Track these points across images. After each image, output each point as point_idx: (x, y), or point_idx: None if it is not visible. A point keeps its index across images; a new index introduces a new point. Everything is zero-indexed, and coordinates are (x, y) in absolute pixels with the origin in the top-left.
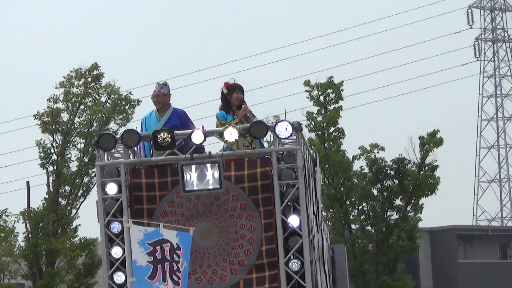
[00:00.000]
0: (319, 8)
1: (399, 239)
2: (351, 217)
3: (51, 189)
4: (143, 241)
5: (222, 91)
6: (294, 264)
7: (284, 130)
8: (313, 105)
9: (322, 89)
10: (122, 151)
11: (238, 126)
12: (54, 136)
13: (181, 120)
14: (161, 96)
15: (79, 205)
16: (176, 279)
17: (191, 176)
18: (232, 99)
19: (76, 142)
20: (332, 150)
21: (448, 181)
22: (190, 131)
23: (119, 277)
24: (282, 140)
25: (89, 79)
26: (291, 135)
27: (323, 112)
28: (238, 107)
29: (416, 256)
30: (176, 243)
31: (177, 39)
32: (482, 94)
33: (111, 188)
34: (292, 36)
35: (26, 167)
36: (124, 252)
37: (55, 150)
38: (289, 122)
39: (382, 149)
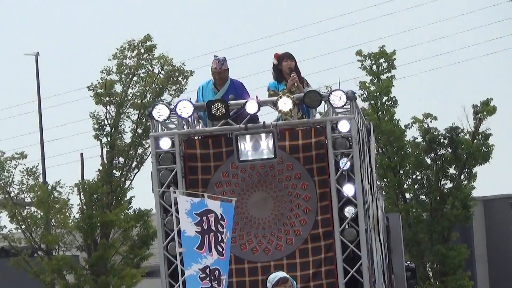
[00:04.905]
0: None
1: (453, 208)
2: (405, 186)
3: (105, 161)
4: (190, 212)
5: (273, 63)
6: (350, 233)
7: (338, 99)
8: (366, 74)
9: (375, 58)
10: (176, 122)
11: (292, 96)
12: (108, 108)
13: (237, 91)
14: (223, 72)
15: (133, 176)
16: (221, 250)
17: (246, 146)
18: (283, 68)
19: (129, 114)
20: (385, 120)
21: (502, 150)
22: (244, 101)
23: (175, 248)
24: (336, 110)
25: (142, 51)
26: (345, 104)
27: (376, 81)
28: (289, 75)
29: (470, 225)
30: (220, 214)
31: (229, 9)
32: None
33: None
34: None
35: (80, 139)
36: (179, 223)
37: (109, 121)
38: (343, 91)
39: (435, 118)
